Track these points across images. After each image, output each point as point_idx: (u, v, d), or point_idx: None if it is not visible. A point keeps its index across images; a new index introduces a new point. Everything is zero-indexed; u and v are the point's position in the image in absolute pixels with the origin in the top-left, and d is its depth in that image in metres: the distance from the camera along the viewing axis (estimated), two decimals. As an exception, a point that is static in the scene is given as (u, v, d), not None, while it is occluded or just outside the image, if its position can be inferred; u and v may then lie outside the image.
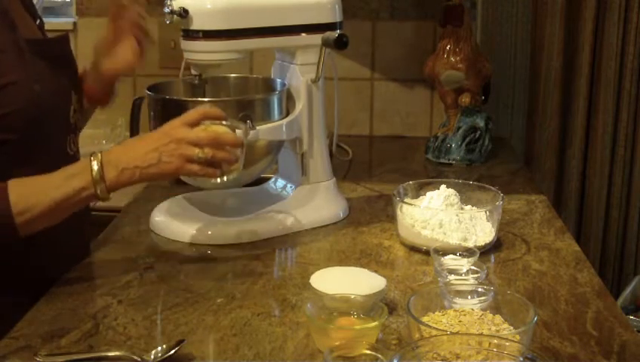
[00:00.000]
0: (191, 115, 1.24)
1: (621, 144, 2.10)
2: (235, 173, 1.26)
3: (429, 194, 1.48)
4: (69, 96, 1.34)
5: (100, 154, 1.19)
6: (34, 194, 1.16)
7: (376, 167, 2.10)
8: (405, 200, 1.47)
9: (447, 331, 1.01)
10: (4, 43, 1.21)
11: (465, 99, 2.05)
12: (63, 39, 1.39)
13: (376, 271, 1.25)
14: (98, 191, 1.18)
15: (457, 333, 1.00)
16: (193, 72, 1.49)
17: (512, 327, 1.03)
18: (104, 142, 2.34)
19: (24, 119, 1.21)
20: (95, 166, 1.18)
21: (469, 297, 1.12)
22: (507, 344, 0.92)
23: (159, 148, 1.20)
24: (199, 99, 1.50)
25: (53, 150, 1.29)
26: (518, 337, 0.97)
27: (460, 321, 1.04)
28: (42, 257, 1.30)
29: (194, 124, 1.23)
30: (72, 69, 1.41)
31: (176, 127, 1.22)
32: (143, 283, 1.29)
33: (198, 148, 1.20)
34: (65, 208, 1.19)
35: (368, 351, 0.98)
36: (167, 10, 1.38)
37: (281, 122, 1.49)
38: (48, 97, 1.25)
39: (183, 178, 1.56)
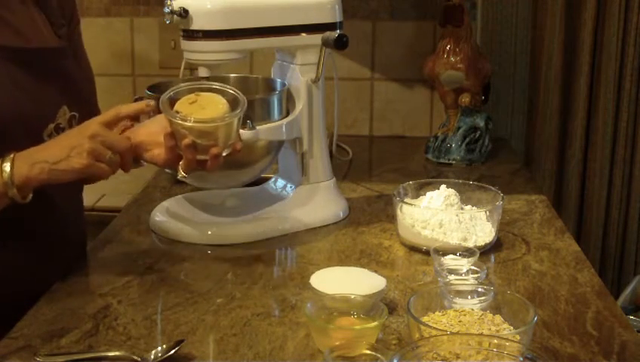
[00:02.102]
0: (109, 113, 1.20)
1: (621, 144, 2.09)
2: (228, 148, 1.23)
3: (429, 194, 1.48)
4: (50, 110, 1.28)
5: (13, 154, 1.15)
6: None
7: (376, 167, 2.10)
8: (405, 200, 1.47)
9: (447, 331, 1.01)
10: None
11: (465, 99, 2.04)
12: (57, 51, 1.34)
13: (376, 271, 1.25)
14: (9, 191, 1.13)
15: (457, 333, 1.00)
16: (201, 74, 1.45)
17: (512, 327, 1.03)
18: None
19: None
20: (7, 163, 1.14)
21: (469, 297, 1.12)
22: (507, 344, 0.92)
23: (71, 144, 1.16)
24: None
25: None
26: (518, 337, 0.97)
27: (460, 321, 1.04)
28: (35, 259, 1.29)
29: (111, 123, 1.20)
30: (66, 83, 1.33)
31: (91, 125, 1.18)
32: (143, 283, 1.29)
33: (111, 152, 1.17)
34: None
35: (368, 351, 0.98)
36: (167, 10, 1.38)
37: (281, 122, 1.49)
38: (7, 107, 1.20)
39: (181, 178, 1.56)
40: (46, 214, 1.31)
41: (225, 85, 1.27)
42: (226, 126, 1.21)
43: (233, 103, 1.24)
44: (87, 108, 1.37)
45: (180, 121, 1.19)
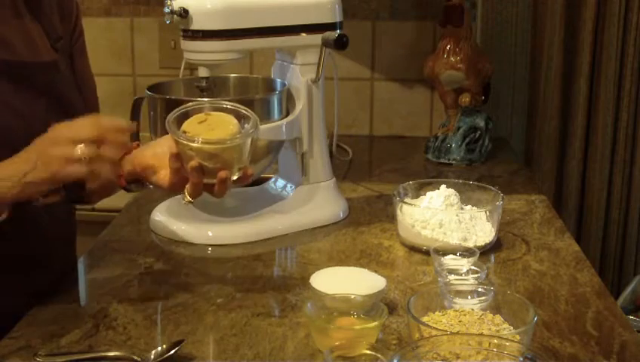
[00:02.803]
0: (84, 128, 1.08)
1: (621, 144, 2.09)
2: (238, 173, 1.15)
3: (429, 194, 1.48)
4: (38, 126, 1.15)
5: None
6: None
7: (376, 167, 2.10)
8: (405, 200, 1.47)
9: (447, 331, 1.01)
10: None
11: (465, 99, 2.05)
12: (50, 65, 1.27)
13: (376, 271, 1.25)
14: None
15: (457, 333, 1.00)
16: (201, 74, 1.45)
17: (512, 327, 1.04)
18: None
19: None
20: None
21: (469, 297, 1.12)
22: (507, 344, 0.92)
23: (37, 153, 1.07)
24: (198, 99, 1.49)
25: None
26: (518, 337, 0.97)
27: (460, 321, 1.04)
28: (28, 263, 1.27)
29: (81, 140, 1.07)
30: (57, 99, 1.26)
31: (56, 130, 1.08)
32: (143, 283, 1.29)
33: (80, 146, 1.05)
34: None
35: (368, 351, 0.98)
36: (167, 10, 1.38)
37: (281, 122, 1.49)
38: None
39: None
40: (29, 238, 1.25)
41: (237, 105, 1.18)
42: (235, 148, 1.12)
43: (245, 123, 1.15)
44: None
45: (185, 142, 1.11)
